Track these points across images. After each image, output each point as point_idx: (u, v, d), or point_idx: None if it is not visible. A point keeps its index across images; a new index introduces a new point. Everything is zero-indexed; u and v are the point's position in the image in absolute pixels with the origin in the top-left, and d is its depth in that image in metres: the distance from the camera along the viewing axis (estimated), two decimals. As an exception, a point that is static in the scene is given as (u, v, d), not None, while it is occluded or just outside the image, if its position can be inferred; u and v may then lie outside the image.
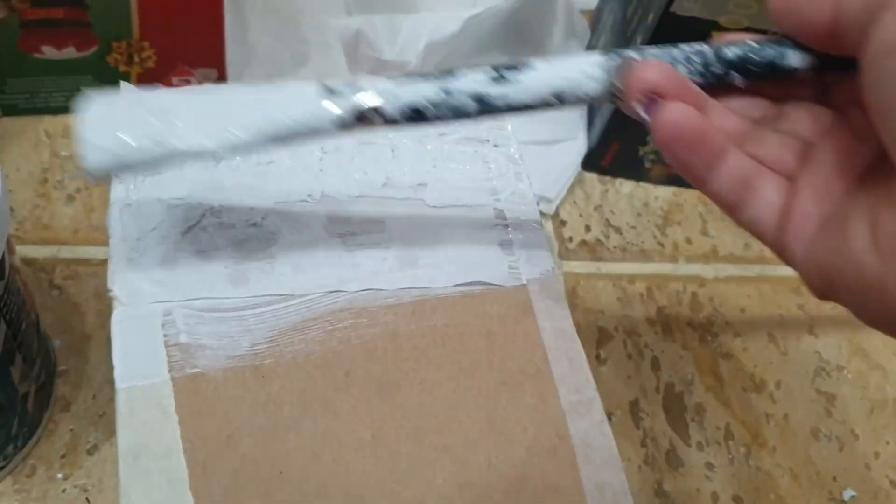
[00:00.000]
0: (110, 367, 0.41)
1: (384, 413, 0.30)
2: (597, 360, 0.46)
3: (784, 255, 0.26)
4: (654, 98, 0.26)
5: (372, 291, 0.32)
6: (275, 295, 0.31)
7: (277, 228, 0.33)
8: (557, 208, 0.52)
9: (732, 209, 0.27)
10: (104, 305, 0.43)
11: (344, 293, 0.32)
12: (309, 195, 0.34)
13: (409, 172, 0.36)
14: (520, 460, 0.30)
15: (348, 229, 0.34)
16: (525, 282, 0.34)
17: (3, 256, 0.30)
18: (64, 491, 0.38)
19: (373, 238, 0.34)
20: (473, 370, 0.31)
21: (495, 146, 0.37)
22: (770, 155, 0.27)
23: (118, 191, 0.33)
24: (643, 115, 0.26)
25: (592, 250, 0.51)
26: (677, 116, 0.25)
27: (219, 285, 0.31)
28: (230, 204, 0.34)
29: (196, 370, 0.29)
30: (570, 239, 0.51)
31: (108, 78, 0.48)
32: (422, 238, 0.34)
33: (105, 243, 0.45)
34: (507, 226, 0.35)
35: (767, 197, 0.26)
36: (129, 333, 0.30)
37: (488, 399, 0.31)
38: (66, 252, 0.45)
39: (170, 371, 0.29)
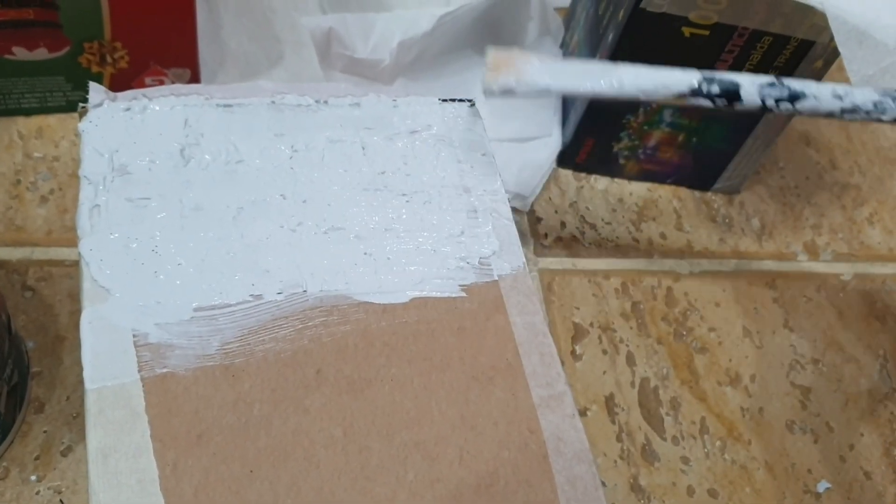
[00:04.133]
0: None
1: (355, 410, 0.30)
2: (572, 356, 0.47)
3: None
4: None
5: (342, 289, 0.32)
6: (245, 295, 0.31)
7: (248, 227, 0.33)
8: (532, 205, 0.53)
9: None
10: (77, 307, 0.43)
11: (314, 292, 0.32)
12: (281, 194, 0.34)
13: (379, 170, 0.36)
14: (491, 455, 0.30)
15: (321, 227, 0.34)
16: (496, 277, 0.34)
17: (-29, 258, 0.30)
18: (38, 493, 0.38)
19: (344, 236, 0.34)
20: (445, 366, 0.31)
21: (468, 144, 0.38)
22: None
23: (87, 191, 0.33)
24: None
25: (568, 246, 0.51)
26: None
27: (189, 286, 0.31)
28: (200, 203, 0.33)
29: (166, 370, 0.29)
30: (546, 235, 0.52)
31: (80, 79, 0.48)
32: (393, 235, 0.34)
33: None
34: (478, 221, 0.35)
35: None
36: (98, 334, 0.30)
37: (459, 394, 0.31)
38: (39, 253, 0.45)
39: (139, 371, 0.29)
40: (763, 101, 0.35)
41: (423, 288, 0.33)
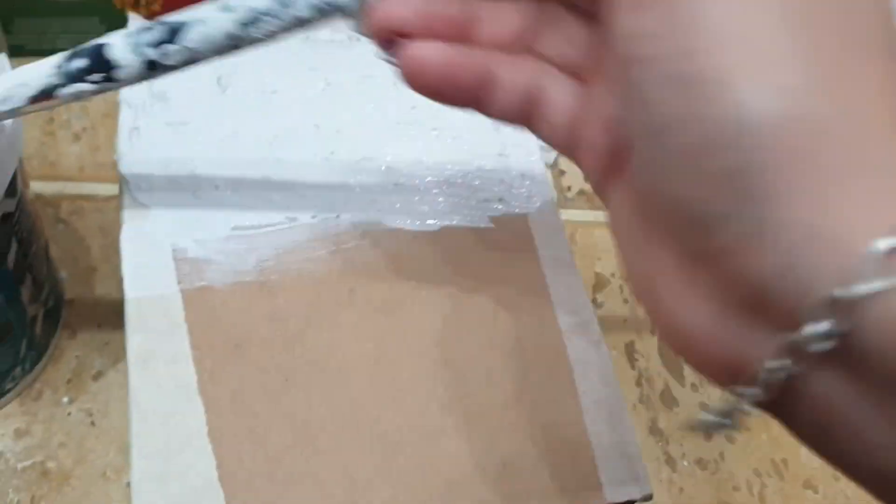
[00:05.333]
0: (115, 299, 0.42)
1: (386, 328, 0.30)
2: (593, 304, 0.47)
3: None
4: (394, 40, 0.23)
5: (374, 216, 0.33)
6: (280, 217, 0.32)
7: (283, 153, 0.34)
8: (556, 158, 0.53)
9: (529, 129, 0.24)
10: (109, 240, 0.44)
11: (347, 217, 0.33)
12: (314, 124, 0.35)
13: (410, 105, 0.36)
14: (518, 376, 0.30)
15: (353, 157, 0.34)
16: (525, 211, 0.35)
17: (15, 173, 0.31)
18: (69, 414, 0.38)
19: (375, 165, 0.34)
20: (473, 292, 0.32)
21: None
22: (556, 53, 0.24)
23: (126, 114, 0.34)
24: (387, 60, 0.24)
25: (591, 199, 0.52)
26: (421, 58, 0.23)
27: (226, 207, 0.32)
28: (237, 129, 0.34)
29: (204, 283, 0.30)
30: (569, 188, 0.52)
31: (114, 20, 0.49)
32: (423, 167, 0.35)
33: (110, 181, 0.46)
34: (508, 157, 0.36)
35: (557, 101, 0.23)
36: (138, 248, 0.31)
37: (487, 319, 0.31)
38: (71, 188, 0.45)
39: (179, 283, 0.30)
40: (146, 59, 0.26)
41: (452, 218, 0.34)
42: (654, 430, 0.44)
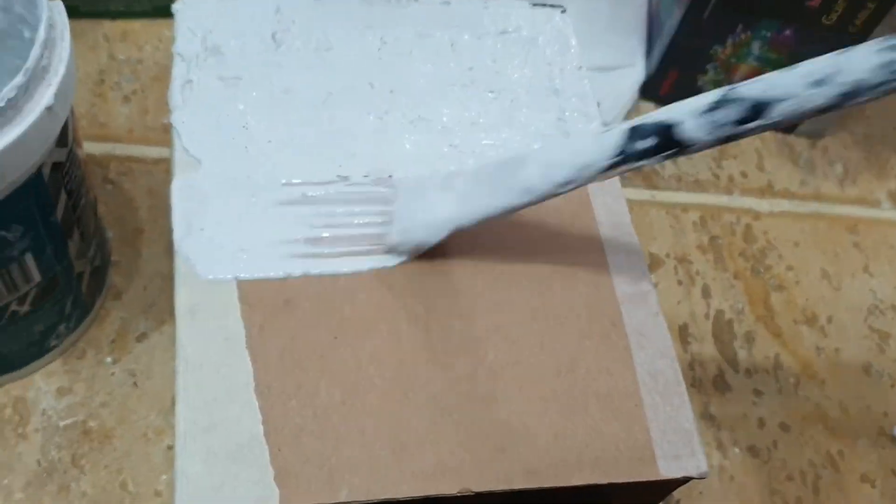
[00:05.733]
0: (162, 261, 0.42)
1: (438, 291, 0.30)
2: (646, 284, 0.46)
3: None
4: None
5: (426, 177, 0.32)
6: (332, 175, 0.31)
7: (336, 111, 0.33)
8: (612, 135, 0.52)
9: None
10: (157, 202, 0.43)
11: (400, 176, 0.32)
12: (369, 83, 0.34)
13: (467, 66, 0.36)
14: (572, 344, 0.29)
15: (407, 117, 0.34)
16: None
17: (67, 121, 0.31)
18: (113, 374, 0.38)
19: (430, 127, 0.33)
20: (527, 257, 0.31)
21: (558, 49, 0.37)
22: None
23: (180, 67, 0.33)
24: None
25: (647, 178, 0.50)
26: None
27: (278, 163, 0.31)
28: (290, 86, 0.33)
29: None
30: (624, 166, 0.51)
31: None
32: (479, 130, 0.34)
33: (159, 144, 0.46)
34: (566, 123, 0.35)
35: None
36: (188, 201, 0.30)
37: (542, 284, 0.30)
38: (120, 149, 0.45)
39: (228, 237, 0.29)
40: (722, 136, 0.25)
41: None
42: (705, 416, 0.42)
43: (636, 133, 0.26)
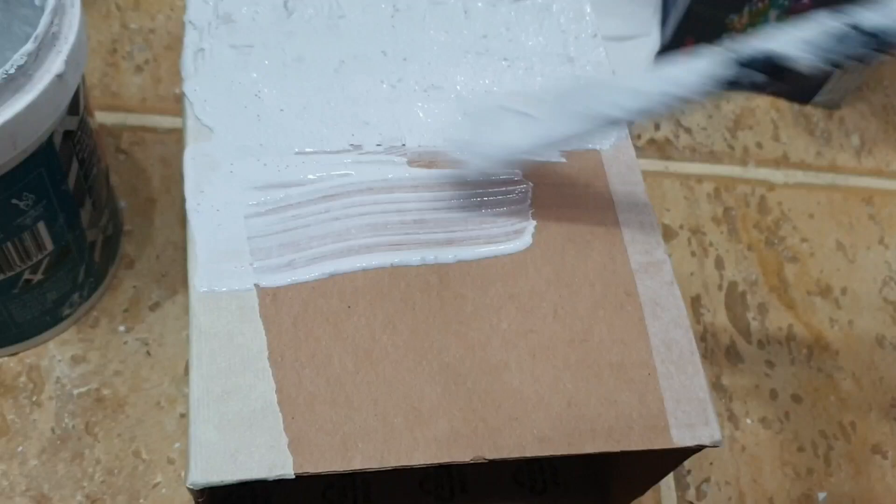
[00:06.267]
0: (175, 230, 0.42)
1: (451, 260, 0.29)
2: (659, 255, 0.46)
3: None
4: None
5: (441, 146, 0.32)
6: (345, 144, 0.31)
7: (348, 80, 0.33)
8: (625, 106, 0.51)
9: None
10: (169, 171, 0.43)
11: (413, 146, 0.32)
12: (382, 51, 0.34)
13: (481, 33, 0.35)
14: (586, 312, 0.29)
15: (420, 85, 0.33)
16: (597, 147, 0.33)
17: (78, 90, 0.30)
18: (126, 343, 0.38)
19: (443, 95, 0.33)
20: (541, 226, 0.31)
21: (572, 15, 0.37)
22: None
23: (192, 35, 0.33)
24: None
25: (661, 149, 0.50)
26: None
27: (290, 131, 0.31)
28: (302, 54, 0.33)
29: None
30: (639, 136, 0.50)
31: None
32: (492, 98, 0.34)
33: (172, 113, 0.45)
34: (581, 92, 0.34)
35: None
36: (200, 169, 0.30)
37: (555, 254, 0.30)
38: (133, 119, 0.45)
39: (240, 204, 0.29)
40: (834, 63, 0.25)
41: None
42: (717, 387, 0.42)
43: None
